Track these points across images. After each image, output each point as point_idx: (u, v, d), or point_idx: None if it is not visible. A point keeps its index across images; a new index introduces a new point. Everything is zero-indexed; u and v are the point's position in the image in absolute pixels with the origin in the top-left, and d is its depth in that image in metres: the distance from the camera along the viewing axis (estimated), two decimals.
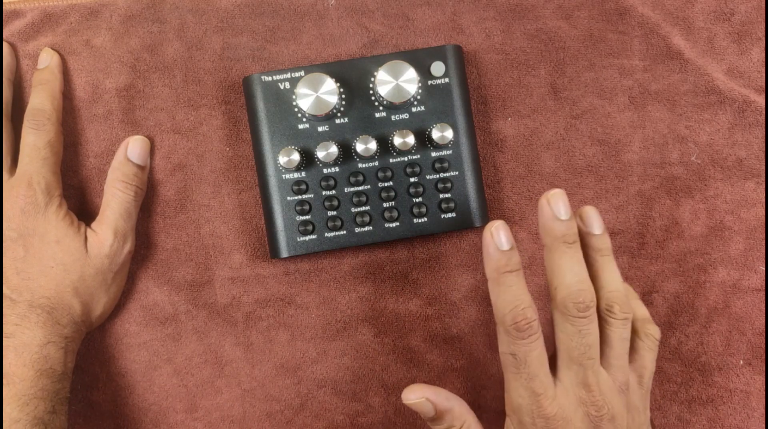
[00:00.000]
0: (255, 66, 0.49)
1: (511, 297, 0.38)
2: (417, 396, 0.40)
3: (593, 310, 0.38)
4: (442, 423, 0.40)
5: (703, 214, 0.49)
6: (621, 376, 0.39)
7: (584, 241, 0.40)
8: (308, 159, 0.46)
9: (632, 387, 0.40)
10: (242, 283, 0.49)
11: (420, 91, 0.45)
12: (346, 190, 0.46)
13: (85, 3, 0.48)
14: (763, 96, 0.49)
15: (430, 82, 0.46)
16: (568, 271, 0.38)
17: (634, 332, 0.42)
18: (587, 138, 0.49)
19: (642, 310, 0.43)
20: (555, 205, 0.38)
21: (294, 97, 0.45)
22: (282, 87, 0.46)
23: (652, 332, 0.42)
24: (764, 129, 0.49)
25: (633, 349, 0.41)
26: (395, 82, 0.44)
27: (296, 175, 0.46)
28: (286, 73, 0.46)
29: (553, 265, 0.39)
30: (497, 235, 0.38)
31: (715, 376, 0.49)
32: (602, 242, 0.40)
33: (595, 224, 0.40)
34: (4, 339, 0.42)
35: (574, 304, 0.37)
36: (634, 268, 0.49)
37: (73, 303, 0.44)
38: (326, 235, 0.46)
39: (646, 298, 0.49)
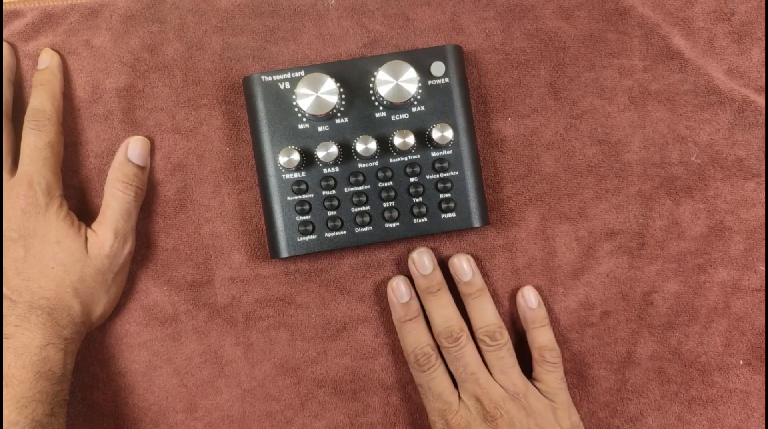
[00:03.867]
0: (255, 66, 0.49)
1: (412, 340, 0.47)
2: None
3: (465, 338, 0.46)
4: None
5: (703, 214, 0.49)
6: (511, 387, 0.46)
7: (458, 285, 0.48)
8: (308, 159, 0.46)
9: (532, 394, 0.46)
10: (242, 283, 0.49)
11: (420, 91, 0.45)
12: (346, 190, 0.46)
13: (85, 3, 0.48)
14: (763, 96, 0.49)
15: (430, 82, 0.46)
16: (436, 315, 0.47)
17: (534, 359, 0.48)
18: (587, 138, 0.49)
19: (542, 338, 0.48)
20: (419, 263, 0.47)
21: (294, 97, 0.45)
22: (282, 87, 0.46)
23: (547, 357, 0.47)
24: (764, 129, 0.49)
25: (536, 374, 0.48)
26: (395, 82, 0.44)
27: (296, 175, 0.46)
28: (286, 73, 0.46)
29: (427, 311, 0.47)
30: (398, 290, 0.47)
31: (715, 376, 0.49)
32: (470, 287, 0.47)
33: (462, 273, 0.47)
34: (3, 340, 0.42)
35: (445, 338, 0.46)
36: (634, 268, 0.49)
37: (73, 303, 0.44)
38: (326, 235, 0.46)
39: (647, 298, 0.49)
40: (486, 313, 0.47)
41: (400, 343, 0.47)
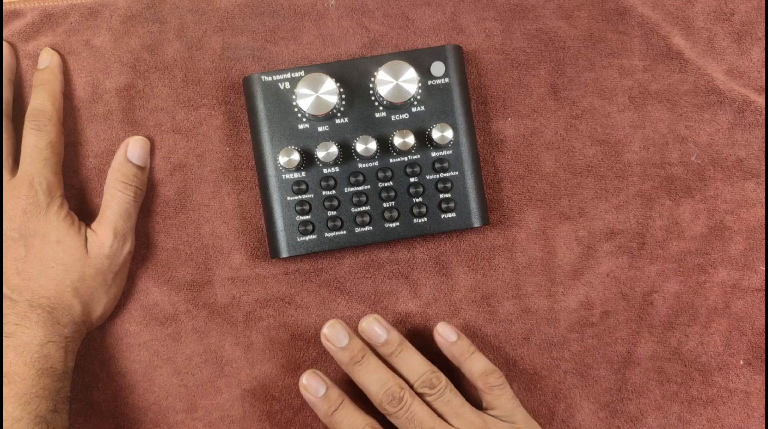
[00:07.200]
0: (255, 66, 0.49)
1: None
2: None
3: (408, 395, 0.43)
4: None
5: (703, 214, 0.49)
6: (470, 426, 0.44)
7: (377, 349, 0.45)
8: (308, 159, 0.46)
9: (492, 425, 0.44)
10: (242, 283, 0.49)
11: (420, 91, 0.45)
12: (346, 190, 0.46)
13: (85, 3, 0.48)
14: (763, 96, 0.49)
15: (430, 82, 0.46)
16: (370, 382, 0.44)
17: (479, 389, 0.46)
18: (587, 138, 0.49)
19: (478, 365, 0.46)
20: (333, 336, 0.45)
21: (294, 97, 0.45)
22: (282, 87, 0.46)
23: (491, 381, 0.45)
24: (764, 129, 0.49)
25: (486, 402, 0.46)
26: (395, 82, 0.44)
27: (296, 175, 0.46)
28: (286, 73, 0.46)
29: (358, 382, 0.45)
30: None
31: (715, 376, 0.49)
32: (390, 346, 0.45)
33: (376, 336, 0.45)
34: (4, 339, 0.42)
35: (389, 403, 0.43)
36: (634, 268, 0.49)
37: (73, 303, 0.44)
38: (326, 235, 0.46)
39: (647, 298, 0.49)
40: (414, 365, 0.45)
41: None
